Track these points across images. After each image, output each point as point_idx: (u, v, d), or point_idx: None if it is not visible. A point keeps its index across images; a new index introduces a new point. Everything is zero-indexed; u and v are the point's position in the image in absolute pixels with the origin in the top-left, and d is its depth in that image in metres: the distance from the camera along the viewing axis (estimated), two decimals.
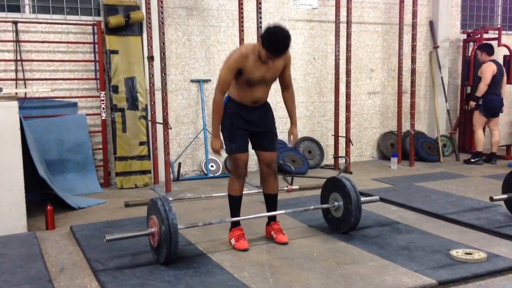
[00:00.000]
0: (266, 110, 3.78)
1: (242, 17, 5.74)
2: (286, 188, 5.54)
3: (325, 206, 4.09)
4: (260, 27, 5.63)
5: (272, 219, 3.92)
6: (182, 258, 3.50)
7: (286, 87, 3.85)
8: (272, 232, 3.87)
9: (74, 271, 3.36)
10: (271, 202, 3.90)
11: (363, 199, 4.02)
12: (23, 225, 4.18)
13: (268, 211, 3.92)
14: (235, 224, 3.80)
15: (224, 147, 3.70)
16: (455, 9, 8.13)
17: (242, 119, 3.66)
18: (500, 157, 7.48)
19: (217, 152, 3.69)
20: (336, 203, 3.99)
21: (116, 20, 5.78)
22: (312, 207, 4.11)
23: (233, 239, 3.74)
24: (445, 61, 7.91)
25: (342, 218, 3.96)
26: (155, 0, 5.36)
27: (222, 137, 3.73)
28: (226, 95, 3.71)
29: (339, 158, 6.90)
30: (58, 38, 5.83)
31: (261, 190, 5.52)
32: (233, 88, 3.65)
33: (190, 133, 6.48)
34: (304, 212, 4.57)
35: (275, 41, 3.34)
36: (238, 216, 3.83)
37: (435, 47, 7.82)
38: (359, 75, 7.44)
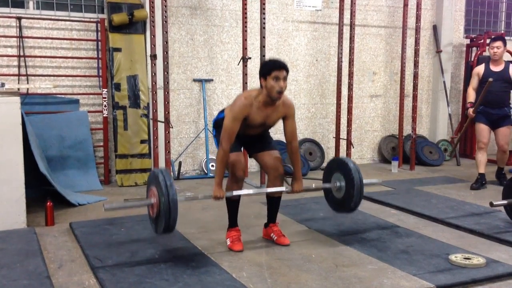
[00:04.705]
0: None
1: (246, 18, 5.74)
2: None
3: (327, 185, 3.99)
4: (264, 28, 5.63)
5: (271, 220, 3.90)
6: (181, 257, 3.51)
7: (289, 141, 3.74)
8: (272, 234, 3.86)
9: (73, 267, 3.36)
10: (273, 205, 3.88)
11: (364, 181, 3.88)
12: (22, 221, 4.18)
13: (269, 213, 3.90)
14: (233, 225, 3.79)
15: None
16: (459, 14, 8.13)
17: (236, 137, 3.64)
18: None
19: (218, 199, 3.59)
20: (338, 184, 3.90)
21: (119, 18, 5.78)
22: (313, 185, 4.05)
23: (228, 239, 3.74)
24: (447, 66, 7.90)
25: (342, 200, 3.90)
26: None
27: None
28: (223, 114, 3.71)
29: None
30: (62, 35, 5.84)
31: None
32: None
33: (191, 132, 6.48)
34: (304, 213, 4.58)
35: (271, 60, 3.57)
36: (236, 218, 3.80)
37: (438, 51, 7.82)
38: (362, 78, 7.44)
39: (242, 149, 3.80)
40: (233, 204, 3.75)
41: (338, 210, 4.00)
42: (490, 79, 5.49)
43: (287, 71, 3.49)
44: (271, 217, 3.90)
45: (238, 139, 3.61)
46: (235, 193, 3.65)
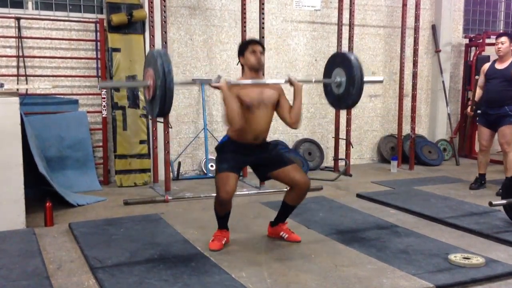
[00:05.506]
0: (266, 145, 3.74)
1: (245, 18, 5.74)
2: (285, 189, 5.52)
3: (327, 81, 3.90)
4: (263, 28, 5.63)
5: (280, 220, 3.88)
6: (180, 257, 3.50)
7: (293, 122, 3.76)
8: (282, 232, 3.85)
9: (72, 268, 3.36)
10: (289, 210, 3.83)
11: (366, 78, 3.76)
12: (21, 221, 4.17)
13: (281, 215, 3.86)
14: (221, 227, 3.75)
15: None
16: (457, 13, 8.13)
17: (241, 154, 3.61)
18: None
19: (217, 88, 3.48)
20: (338, 80, 3.78)
21: (118, 18, 5.78)
22: (313, 79, 4.02)
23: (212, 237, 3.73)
24: (446, 66, 7.90)
25: (340, 96, 3.82)
26: None
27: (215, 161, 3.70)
28: (225, 135, 3.67)
29: (339, 160, 6.90)
30: (61, 35, 5.83)
31: (261, 191, 5.55)
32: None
33: (191, 132, 6.48)
34: (303, 213, 4.58)
35: (246, 39, 3.77)
36: (226, 223, 3.73)
37: (437, 51, 7.82)
38: None
39: (238, 175, 3.66)
40: (222, 217, 3.70)
41: (335, 106, 3.99)
42: (476, 77, 5.61)
43: (262, 47, 3.65)
44: (283, 219, 3.88)
45: (241, 155, 3.59)
46: (240, 81, 3.59)
